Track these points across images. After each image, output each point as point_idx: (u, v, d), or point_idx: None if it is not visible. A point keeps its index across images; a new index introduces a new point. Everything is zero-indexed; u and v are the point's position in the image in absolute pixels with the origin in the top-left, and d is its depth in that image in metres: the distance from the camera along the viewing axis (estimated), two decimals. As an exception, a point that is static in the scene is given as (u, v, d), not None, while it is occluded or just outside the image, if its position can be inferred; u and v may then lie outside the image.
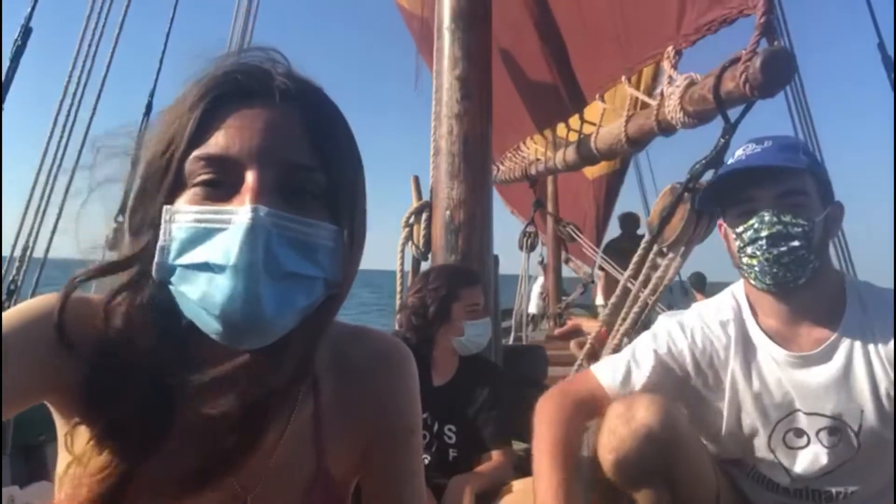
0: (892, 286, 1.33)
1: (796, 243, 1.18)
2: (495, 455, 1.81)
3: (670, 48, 1.92)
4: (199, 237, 0.55)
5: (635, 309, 1.92)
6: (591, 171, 6.08)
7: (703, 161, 1.64)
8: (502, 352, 2.66)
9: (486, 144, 2.42)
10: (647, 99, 2.06)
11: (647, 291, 1.87)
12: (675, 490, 1.23)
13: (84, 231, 0.68)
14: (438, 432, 1.84)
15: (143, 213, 0.60)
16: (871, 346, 1.21)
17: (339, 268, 0.61)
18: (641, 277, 1.88)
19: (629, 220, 5.86)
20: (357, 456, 0.74)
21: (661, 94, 1.88)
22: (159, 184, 0.59)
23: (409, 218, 2.57)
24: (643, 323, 1.88)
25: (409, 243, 2.58)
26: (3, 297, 2.67)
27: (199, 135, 0.58)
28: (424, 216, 2.50)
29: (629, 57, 2.33)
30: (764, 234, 1.19)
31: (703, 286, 6.89)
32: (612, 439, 1.21)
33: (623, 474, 1.21)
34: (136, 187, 0.62)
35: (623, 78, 2.34)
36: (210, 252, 0.54)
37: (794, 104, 3.66)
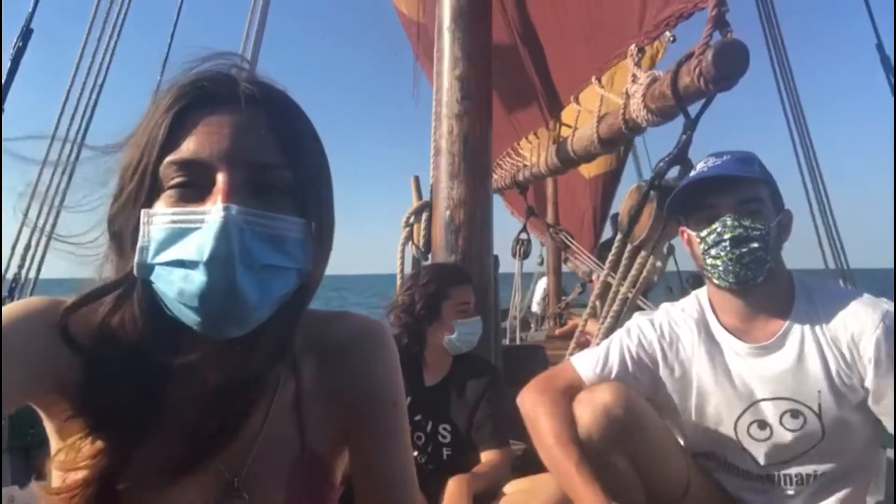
0: (892, 287, 1.36)
1: (755, 245, 1.30)
2: (493, 455, 1.80)
3: (633, 46, 1.91)
4: (174, 237, 0.59)
5: (615, 307, 1.92)
6: (588, 171, 6.08)
7: (667, 158, 1.66)
8: (502, 352, 2.66)
9: (486, 144, 2.42)
10: (614, 98, 2.05)
11: (624, 287, 1.88)
12: (642, 472, 1.37)
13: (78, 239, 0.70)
14: (432, 432, 1.84)
15: (123, 222, 0.64)
16: (819, 333, 1.34)
17: (310, 258, 0.65)
18: (618, 276, 1.90)
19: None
20: (341, 432, 0.77)
21: (627, 93, 1.88)
22: (136, 191, 0.62)
23: (409, 218, 2.57)
24: (625, 318, 1.90)
25: (409, 243, 2.58)
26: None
27: (171, 141, 0.62)
28: (424, 216, 2.50)
29: (598, 57, 2.33)
30: (727, 236, 1.31)
31: (701, 286, 6.88)
32: (580, 419, 1.35)
33: (589, 451, 1.32)
34: (114, 194, 0.65)
35: (593, 78, 2.33)
36: (184, 249, 0.58)
37: (789, 104, 3.65)
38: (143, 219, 0.61)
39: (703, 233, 1.35)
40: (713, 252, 1.33)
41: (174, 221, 0.59)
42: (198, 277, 0.57)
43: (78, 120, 2.99)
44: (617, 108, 1.94)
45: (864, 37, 3.70)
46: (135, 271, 0.61)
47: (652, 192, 1.70)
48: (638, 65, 1.88)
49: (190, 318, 0.59)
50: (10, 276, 2.74)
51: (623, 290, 1.90)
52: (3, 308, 0.65)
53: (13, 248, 2.73)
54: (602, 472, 1.31)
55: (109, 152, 0.67)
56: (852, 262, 3.71)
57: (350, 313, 0.81)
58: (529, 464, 1.69)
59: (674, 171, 1.70)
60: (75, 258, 0.68)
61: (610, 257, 1.93)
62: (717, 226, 1.32)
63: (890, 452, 2.08)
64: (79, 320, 0.64)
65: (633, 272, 1.87)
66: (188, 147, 0.61)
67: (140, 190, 0.62)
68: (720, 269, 1.33)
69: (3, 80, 2.74)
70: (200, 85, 0.64)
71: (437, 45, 2.50)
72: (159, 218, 0.60)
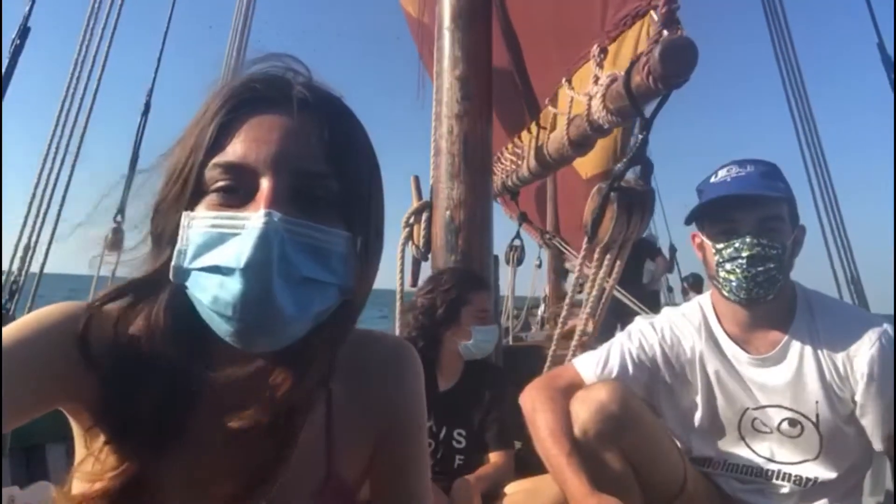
0: (892, 286, 1.38)
1: (771, 265, 1.32)
2: (497, 456, 1.80)
3: (595, 46, 1.91)
4: (213, 241, 0.57)
5: (590, 305, 1.93)
6: (585, 171, 6.08)
7: (625, 160, 1.65)
8: (502, 352, 2.66)
9: (486, 144, 2.42)
10: (581, 99, 2.03)
11: (595, 291, 1.89)
12: (638, 469, 1.39)
13: (81, 234, 0.69)
14: (445, 438, 1.83)
15: (164, 220, 0.62)
16: (818, 347, 1.37)
17: (353, 274, 0.62)
18: (592, 272, 1.90)
19: None
20: (366, 457, 0.75)
21: (589, 94, 1.87)
22: (180, 192, 0.60)
23: (409, 218, 2.57)
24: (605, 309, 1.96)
25: (410, 243, 2.58)
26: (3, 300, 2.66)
27: (219, 143, 0.60)
28: (424, 216, 2.49)
29: (567, 59, 2.32)
30: (745, 254, 1.33)
31: (700, 287, 6.93)
32: (576, 416, 1.39)
33: (585, 447, 1.35)
34: (158, 199, 0.63)
35: (563, 80, 2.32)
36: (222, 256, 0.56)
37: (796, 105, 3.65)
38: (183, 221, 0.59)
39: (720, 245, 1.36)
40: (728, 266, 1.35)
41: (214, 226, 0.57)
42: (233, 285, 0.54)
43: (77, 119, 2.98)
44: (583, 110, 1.93)
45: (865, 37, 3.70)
46: (171, 275, 0.58)
47: (612, 194, 1.70)
48: (600, 65, 1.88)
49: (222, 328, 0.56)
50: (13, 269, 2.73)
51: (598, 282, 1.90)
52: (26, 315, 0.63)
53: (16, 245, 2.73)
54: (598, 468, 1.33)
55: (158, 166, 0.65)
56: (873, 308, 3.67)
57: (379, 334, 0.79)
58: (529, 464, 1.69)
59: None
60: (122, 267, 0.66)
61: (580, 259, 1.94)
62: (736, 242, 1.34)
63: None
64: (99, 325, 0.62)
65: (601, 275, 1.87)
66: (234, 150, 0.59)
67: (184, 192, 0.60)
68: (733, 284, 1.35)
69: (2, 79, 2.73)
70: (252, 87, 0.62)
71: (437, 45, 2.49)
72: (199, 221, 0.58)
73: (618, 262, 1.84)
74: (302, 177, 0.59)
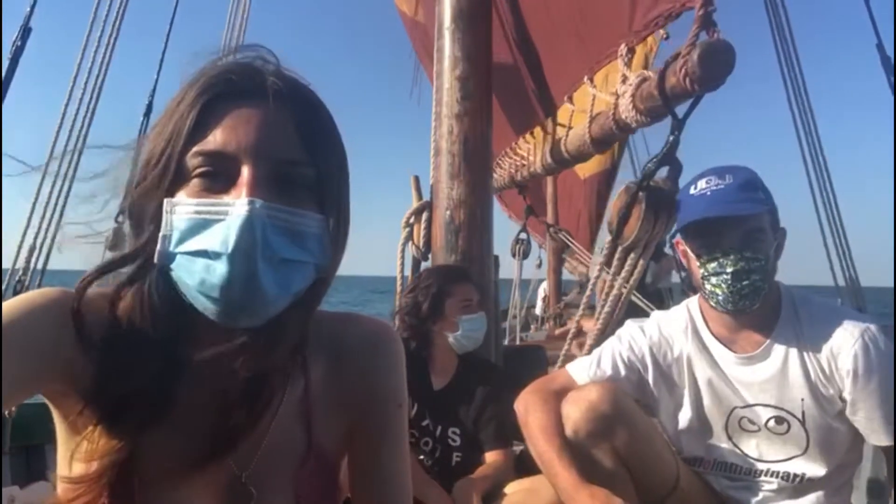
0: (892, 286, 1.39)
1: (756, 276, 1.34)
2: (495, 455, 1.80)
3: (623, 46, 1.91)
4: (198, 227, 0.60)
5: (607, 308, 1.95)
6: (584, 171, 6.07)
7: (655, 159, 1.66)
8: (502, 352, 2.66)
9: (486, 144, 2.42)
10: (605, 97, 2.03)
11: (615, 291, 1.89)
12: (631, 467, 1.41)
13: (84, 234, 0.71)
14: (441, 436, 1.83)
15: (143, 206, 0.64)
16: (802, 345, 1.39)
17: (327, 253, 0.66)
18: (611, 274, 1.91)
19: None
20: (346, 433, 0.78)
21: (616, 93, 1.87)
22: (160, 178, 0.63)
23: (409, 218, 2.57)
24: (620, 315, 1.96)
25: (410, 243, 2.58)
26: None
27: (197, 131, 0.62)
28: (425, 216, 2.49)
29: (590, 57, 2.32)
30: (729, 269, 1.34)
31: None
32: (567, 416, 1.41)
33: (577, 446, 1.38)
34: (136, 182, 0.65)
35: (585, 78, 2.33)
36: (208, 240, 0.59)
37: (796, 103, 3.65)
38: (165, 207, 0.61)
39: (703, 259, 1.38)
40: (713, 280, 1.37)
41: (198, 212, 0.60)
42: (220, 268, 0.57)
43: (80, 118, 2.98)
44: (608, 109, 1.93)
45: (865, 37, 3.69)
46: (155, 259, 0.61)
47: (641, 194, 1.70)
48: (627, 65, 1.88)
49: (208, 307, 0.60)
50: (19, 266, 2.73)
51: (616, 288, 1.90)
52: (14, 298, 0.65)
53: (21, 241, 2.73)
54: (590, 466, 1.35)
55: (131, 149, 0.67)
56: (863, 281, 3.68)
57: (361, 316, 0.82)
58: (529, 464, 1.69)
59: (664, 171, 1.70)
60: (89, 248, 0.69)
61: (602, 258, 1.93)
62: (719, 256, 1.35)
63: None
64: (90, 308, 0.64)
65: (624, 272, 1.88)
66: (214, 139, 0.61)
67: (163, 178, 0.62)
68: (720, 297, 1.37)
69: (3, 79, 2.73)
70: (228, 77, 0.64)
71: (437, 45, 2.49)
72: (183, 208, 0.60)
73: (640, 263, 1.84)
74: (280, 164, 0.62)
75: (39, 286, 2.78)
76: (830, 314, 1.42)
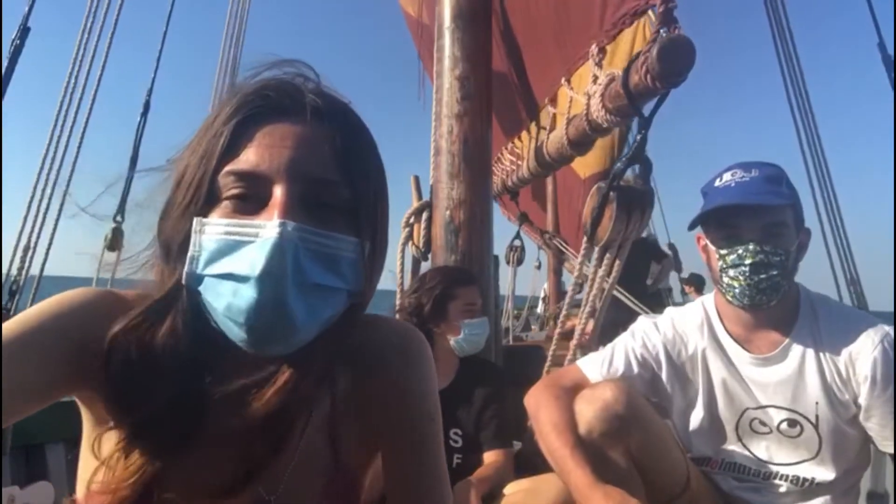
0: (892, 286, 1.39)
1: (775, 272, 1.32)
2: (495, 455, 1.80)
3: (594, 46, 1.90)
4: (227, 249, 0.57)
5: (587, 308, 1.96)
6: (583, 171, 6.08)
7: (625, 159, 1.65)
8: (502, 352, 2.66)
9: (486, 144, 2.41)
10: (580, 98, 2.03)
11: (594, 290, 1.89)
12: (642, 467, 1.39)
13: (79, 237, 0.71)
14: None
15: (174, 227, 0.62)
16: (820, 348, 1.37)
17: (361, 279, 0.63)
18: (591, 271, 1.91)
19: None
20: (373, 445, 0.75)
21: (588, 93, 1.86)
22: (192, 198, 0.61)
23: (409, 218, 2.57)
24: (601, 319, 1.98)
25: (410, 243, 2.58)
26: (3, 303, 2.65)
27: (231, 150, 0.60)
28: (424, 216, 2.49)
29: (567, 58, 2.32)
30: (748, 261, 1.32)
31: (701, 287, 6.93)
32: (580, 415, 1.39)
33: (590, 446, 1.36)
34: (167, 202, 0.63)
35: (563, 79, 2.32)
36: (236, 263, 0.56)
37: (797, 103, 3.65)
38: (195, 227, 0.59)
39: (723, 251, 1.36)
40: (731, 273, 1.35)
41: (228, 233, 0.58)
42: (247, 293, 0.55)
43: (80, 118, 2.98)
44: (583, 110, 1.93)
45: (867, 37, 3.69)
46: (183, 280, 0.59)
47: (612, 194, 1.69)
48: (599, 65, 1.87)
49: (235, 333, 0.57)
50: (13, 271, 2.72)
51: (594, 288, 1.91)
52: (50, 298, 0.63)
53: (15, 246, 2.72)
54: (602, 466, 1.33)
55: (166, 170, 0.65)
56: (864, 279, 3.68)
57: (385, 319, 0.78)
58: (529, 464, 1.68)
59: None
60: (121, 268, 0.66)
61: (579, 258, 1.95)
62: (738, 248, 1.33)
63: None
64: (117, 319, 0.62)
65: (601, 271, 1.88)
66: (248, 158, 0.59)
67: (196, 198, 0.60)
68: (736, 290, 1.35)
69: (3, 79, 2.72)
70: (265, 94, 0.62)
71: (436, 45, 2.49)
72: (212, 228, 0.58)
73: (617, 262, 1.84)
74: (314, 184, 0.60)
75: (35, 290, 2.78)
76: (849, 318, 1.40)
